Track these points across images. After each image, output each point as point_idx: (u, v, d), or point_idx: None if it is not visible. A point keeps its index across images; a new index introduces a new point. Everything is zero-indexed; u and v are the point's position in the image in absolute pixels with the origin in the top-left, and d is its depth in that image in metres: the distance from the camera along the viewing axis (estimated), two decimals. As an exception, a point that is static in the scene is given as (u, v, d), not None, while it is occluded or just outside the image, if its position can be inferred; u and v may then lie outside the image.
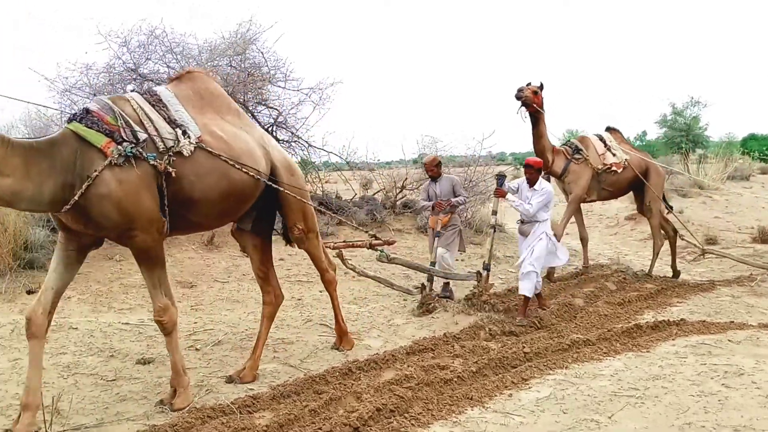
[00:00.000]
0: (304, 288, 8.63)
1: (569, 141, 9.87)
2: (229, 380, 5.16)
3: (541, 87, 8.68)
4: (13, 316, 6.93)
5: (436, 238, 8.05)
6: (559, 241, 8.50)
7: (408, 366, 5.17)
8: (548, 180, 9.36)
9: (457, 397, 4.64)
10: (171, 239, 9.51)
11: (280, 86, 12.06)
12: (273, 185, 5.16)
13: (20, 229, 7.98)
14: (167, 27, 10.96)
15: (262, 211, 5.46)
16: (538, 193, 7.16)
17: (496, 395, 4.76)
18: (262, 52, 11.69)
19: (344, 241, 7.95)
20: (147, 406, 4.67)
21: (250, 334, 6.46)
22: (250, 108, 11.68)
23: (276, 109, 12.05)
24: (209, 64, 11.12)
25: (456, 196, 8.21)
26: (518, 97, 8.48)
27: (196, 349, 6.07)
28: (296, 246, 5.86)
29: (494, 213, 7.89)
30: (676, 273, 9.95)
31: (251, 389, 4.94)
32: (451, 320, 7.00)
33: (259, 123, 11.90)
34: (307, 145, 12.27)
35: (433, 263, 7.95)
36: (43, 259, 8.26)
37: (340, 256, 7.03)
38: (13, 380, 5.18)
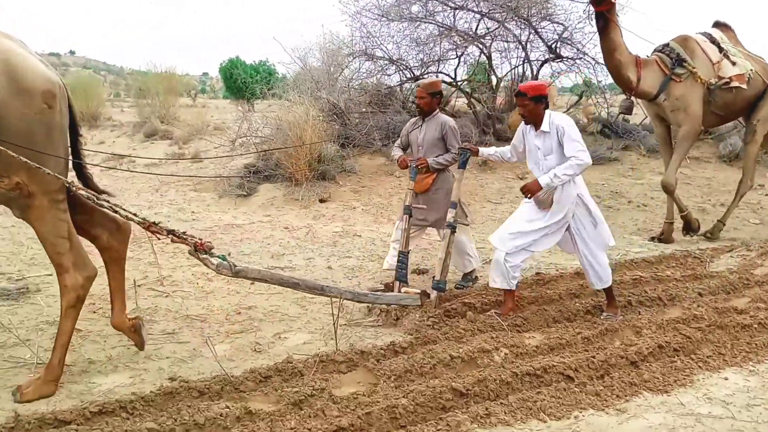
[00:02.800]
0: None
1: (665, 45, 6.94)
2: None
3: None
4: (308, 221, 7.80)
5: (407, 217, 5.16)
6: (673, 191, 6.93)
7: (698, 306, 4.67)
8: (630, 106, 7.15)
9: (756, 345, 4.08)
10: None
11: (566, -1, 11.35)
12: None
13: (315, 144, 8.83)
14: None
15: None
16: (565, 135, 4.32)
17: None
18: (549, -37, 11.06)
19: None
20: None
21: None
22: (534, 23, 11.21)
23: (561, 24, 11.37)
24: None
25: (445, 152, 5.31)
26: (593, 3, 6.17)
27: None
28: None
29: (454, 205, 4.92)
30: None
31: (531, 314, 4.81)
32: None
33: (542, 39, 11.44)
34: (593, 62, 11.38)
35: (403, 254, 5.04)
36: (333, 172, 9.10)
37: None
38: (307, 276, 5.84)
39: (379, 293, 4.68)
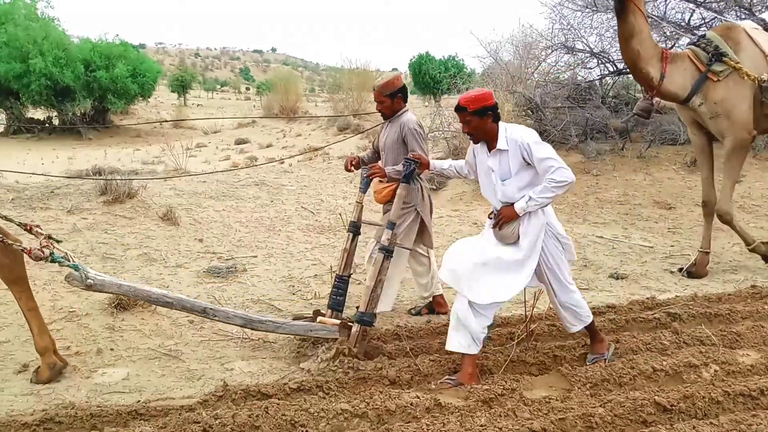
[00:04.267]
0: None
1: (701, 37, 5.46)
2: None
3: None
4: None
5: (350, 235, 4.38)
6: (730, 220, 5.50)
7: None
8: (649, 108, 5.51)
9: None
10: (651, 158, 9.08)
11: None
12: None
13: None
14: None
15: None
16: (533, 154, 3.43)
17: None
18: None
19: None
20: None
21: (734, 266, 5.77)
22: (756, 13, 10.05)
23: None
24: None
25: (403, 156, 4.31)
26: None
27: (671, 272, 5.68)
28: None
29: (391, 225, 3.91)
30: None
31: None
32: None
33: (766, 30, 10.23)
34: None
35: (341, 278, 4.23)
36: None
37: None
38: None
39: (283, 321, 3.85)
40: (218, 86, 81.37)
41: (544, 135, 9.49)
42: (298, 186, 8.92)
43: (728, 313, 4.38)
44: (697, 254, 5.69)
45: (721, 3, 10.11)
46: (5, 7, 21.57)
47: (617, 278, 5.49)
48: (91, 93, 22.03)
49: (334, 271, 5.10)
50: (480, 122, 3.52)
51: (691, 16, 10.69)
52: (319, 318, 3.97)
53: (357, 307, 3.99)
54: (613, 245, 6.46)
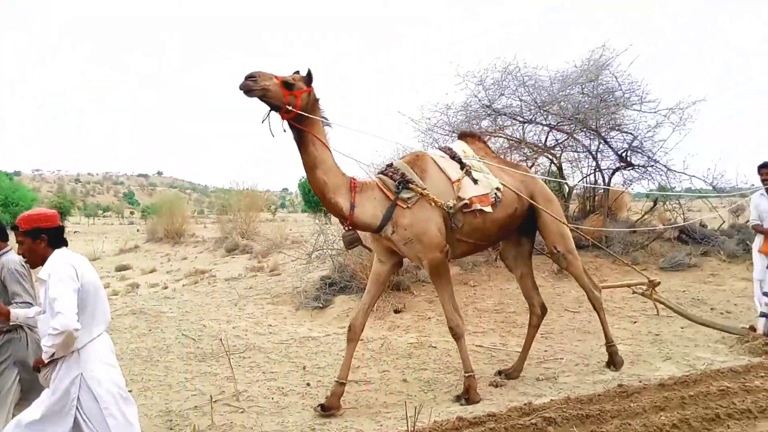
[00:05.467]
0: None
1: (389, 165, 5.51)
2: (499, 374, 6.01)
3: (309, 78, 4.86)
4: (383, 332, 7.77)
5: None
6: (461, 334, 5.40)
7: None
8: (354, 238, 5.41)
9: None
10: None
11: (635, 110, 11.44)
12: None
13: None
14: (520, 62, 11.30)
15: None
16: (48, 291, 3.20)
17: None
18: (615, 77, 11.26)
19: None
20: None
21: (602, 367, 6.18)
22: (603, 134, 11.35)
23: (630, 134, 11.47)
24: (561, 93, 11.16)
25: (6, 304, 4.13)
26: (246, 89, 4.58)
27: (540, 379, 6.00)
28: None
29: None
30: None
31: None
32: None
33: (612, 149, 11.53)
34: (665, 169, 11.35)
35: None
36: (408, 282, 9.14)
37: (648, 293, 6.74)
38: (381, 390, 5.78)
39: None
40: (100, 211, 78.87)
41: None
42: (179, 312, 8.74)
43: (598, 414, 4.65)
44: (333, 384, 5.36)
45: (572, 126, 11.31)
46: None
47: (496, 386, 5.72)
48: (-45, 224, 20.84)
49: (215, 401, 5.03)
50: (33, 245, 3.30)
51: (547, 137, 11.88)
52: None
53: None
54: (492, 353, 6.76)
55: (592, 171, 11.97)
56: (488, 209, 5.40)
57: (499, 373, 6.01)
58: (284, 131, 4.80)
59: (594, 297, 6.10)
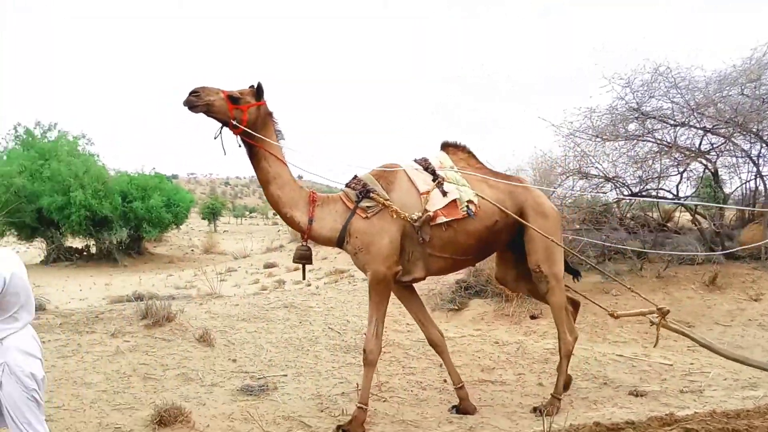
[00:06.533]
0: None
1: (354, 177, 5.26)
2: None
3: (259, 91, 4.73)
4: (519, 336, 7.80)
5: None
6: (374, 360, 5.01)
7: None
8: (306, 254, 5.13)
9: None
10: (669, 278, 9.30)
11: (801, 111, 10.55)
12: None
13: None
14: (671, 63, 10.80)
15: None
16: None
17: None
18: (780, 76, 10.47)
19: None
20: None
21: (753, 382, 5.85)
22: (765, 138, 10.58)
23: (794, 137, 10.61)
24: (717, 95, 10.55)
25: None
26: (189, 105, 4.49)
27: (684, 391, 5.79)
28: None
29: None
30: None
31: None
32: None
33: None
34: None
35: None
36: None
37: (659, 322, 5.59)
38: (516, 391, 5.86)
39: None
40: (247, 212, 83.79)
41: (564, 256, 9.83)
42: (324, 308, 9.24)
43: (746, 429, 4.45)
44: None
45: (730, 129, 10.65)
46: (50, 144, 23.28)
47: (636, 395, 5.61)
48: (128, 222, 23.16)
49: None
50: None
51: (701, 141, 11.25)
52: None
53: None
54: (633, 363, 6.61)
55: (753, 177, 11.18)
56: (445, 219, 4.98)
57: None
58: (239, 146, 4.69)
59: (564, 340, 5.41)
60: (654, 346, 5.90)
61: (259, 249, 23.15)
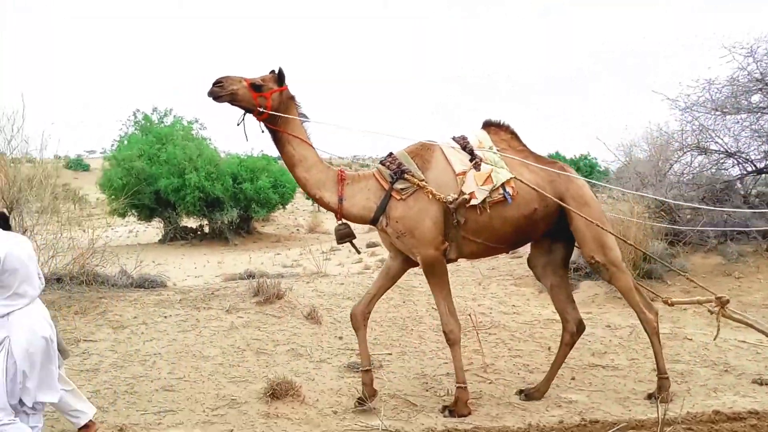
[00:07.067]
0: None
1: (389, 155, 5.05)
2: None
3: (281, 77, 4.65)
4: (632, 320, 7.47)
5: None
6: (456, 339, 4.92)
7: None
8: (346, 232, 4.96)
9: None
10: None
11: None
12: None
13: (640, 241, 8.51)
14: (801, 27, 9.96)
15: None
16: None
17: None
18: None
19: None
20: None
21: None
22: None
23: None
24: None
25: None
26: (214, 95, 4.49)
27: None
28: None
29: None
30: None
31: None
32: None
33: None
34: None
35: None
36: (661, 271, 8.66)
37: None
38: (630, 377, 5.65)
39: None
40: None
41: (679, 237, 9.34)
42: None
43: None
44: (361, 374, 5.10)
45: None
46: (166, 129, 24.59)
47: (761, 384, 5.28)
48: (238, 203, 24.12)
49: (465, 371, 5.33)
50: None
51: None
52: None
53: None
54: (758, 350, 6.19)
55: None
56: (476, 201, 4.78)
57: (520, 392, 5.24)
58: (262, 132, 4.75)
59: (646, 319, 5.15)
60: (714, 339, 5.44)
61: (362, 229, 23.49)
